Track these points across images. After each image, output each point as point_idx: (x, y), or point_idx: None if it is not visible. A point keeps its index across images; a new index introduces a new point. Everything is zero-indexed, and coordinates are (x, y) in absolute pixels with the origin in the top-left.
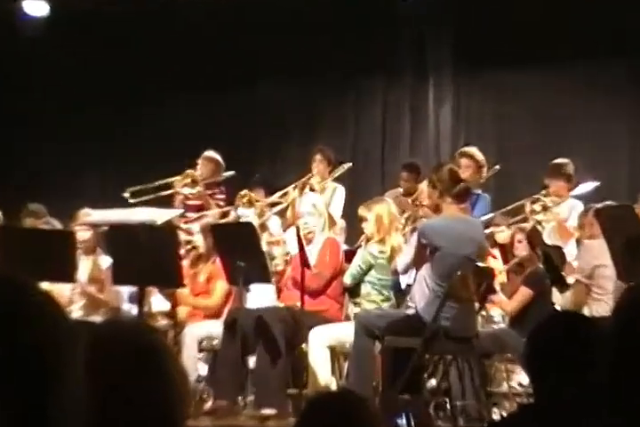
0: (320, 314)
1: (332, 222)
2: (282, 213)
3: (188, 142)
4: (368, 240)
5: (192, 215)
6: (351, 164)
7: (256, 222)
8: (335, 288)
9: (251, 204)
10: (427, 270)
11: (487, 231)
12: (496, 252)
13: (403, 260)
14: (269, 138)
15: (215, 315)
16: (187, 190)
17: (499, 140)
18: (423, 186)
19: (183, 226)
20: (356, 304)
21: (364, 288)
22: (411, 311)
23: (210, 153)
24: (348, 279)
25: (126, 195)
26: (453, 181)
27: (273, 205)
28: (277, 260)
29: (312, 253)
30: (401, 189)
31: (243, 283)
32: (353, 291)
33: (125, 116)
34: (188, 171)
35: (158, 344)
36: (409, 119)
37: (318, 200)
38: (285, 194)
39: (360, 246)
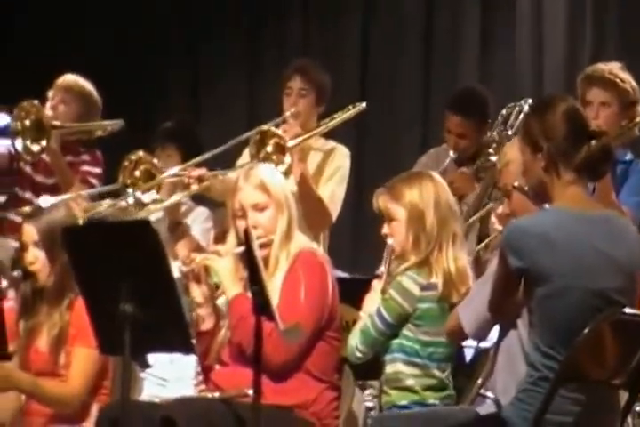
0: (292, 413)
1: (322, 219)
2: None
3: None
4: (397, 263)
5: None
6: (364, 104)
7: (161, 221)
8: (323, 359)
9: (150, 179)
10: (523, 328)
11: None
12: None
13: (471, 309)
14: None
15: (74, 417)
16: (20, 146)
17: None
18: (508, 148)
19: None
20: (369, 395)
21: (391, 364)
22: (486, 409)
23: (72, 79)
24: (355, 346)
25: None
26: (576, 135)
27: (200, 181)
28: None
29: (272, 289)
30: (451, 153)
31: (131, 350)
32: (366, 369)
33: None
34: (26, 103)
35: None
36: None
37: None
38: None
39: (378, 276)
